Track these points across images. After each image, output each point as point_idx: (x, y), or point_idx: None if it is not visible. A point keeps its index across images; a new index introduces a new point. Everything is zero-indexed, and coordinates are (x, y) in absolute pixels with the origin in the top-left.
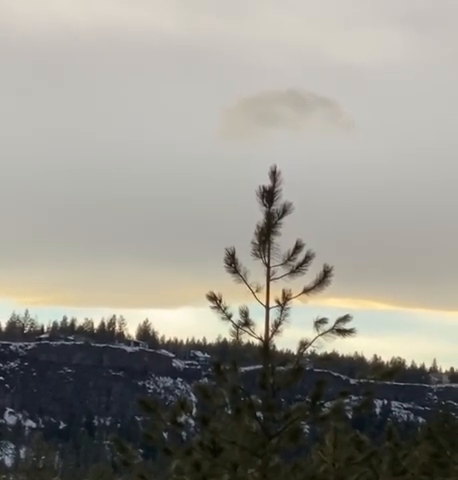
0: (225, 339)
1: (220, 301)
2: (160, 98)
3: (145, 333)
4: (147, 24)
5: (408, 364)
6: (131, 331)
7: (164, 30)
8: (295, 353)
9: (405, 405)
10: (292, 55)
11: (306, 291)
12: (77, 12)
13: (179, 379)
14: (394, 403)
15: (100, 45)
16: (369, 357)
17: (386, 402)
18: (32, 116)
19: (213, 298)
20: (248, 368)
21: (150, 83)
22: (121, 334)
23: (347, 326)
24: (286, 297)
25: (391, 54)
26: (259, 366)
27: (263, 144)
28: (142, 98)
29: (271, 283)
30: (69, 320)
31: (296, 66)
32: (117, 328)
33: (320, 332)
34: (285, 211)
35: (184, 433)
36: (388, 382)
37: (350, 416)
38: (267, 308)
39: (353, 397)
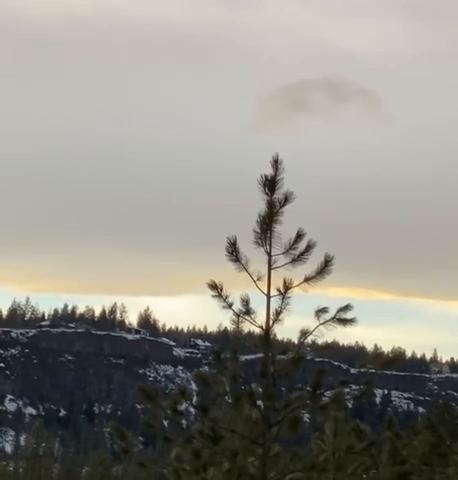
0: (226, 327)
1: (221, 289)
2: (182, 89)
3: (146, 321)
4: (156, 12)
5: (408, 354)
6: (132, 319)
7: (168, 18)
8: (296, 342)
9: (405, 395)
10: (295, 44)
11: (307, 280)
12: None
13: (179, 367)
14: (394, 393)
15: (115, 33)
16: (369, 346)
17: (386, 392)
18: (30, 104)
19: (214, 286)
20: (248, 357)
21: (169, 73)
22: (122, 322)
23: (348, 315)
24: (287, 286)
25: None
26: (260, 355)
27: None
28: (162, 88)
29: (272, 272)
30: (70, 307)
31: (299, 55)
32: (118, 316)
33: (321, 321)
34: (287, 200)
35: (184, 421)
36: (388, 372)
37: (350, 405)
38: (268, 297)
39: (353, 386)
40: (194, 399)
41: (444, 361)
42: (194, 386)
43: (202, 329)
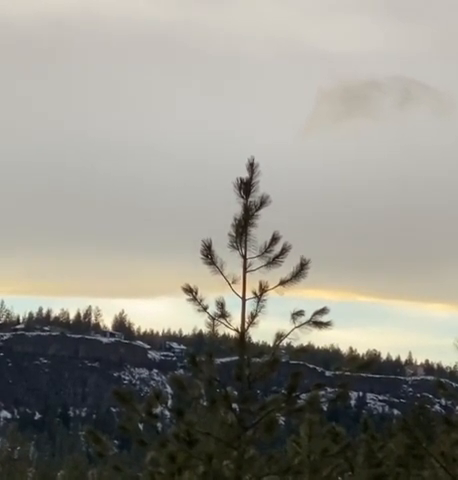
0: (201, 331)
1: (196, 293)
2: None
3: (121, 324)
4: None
5: (383, 356)
6: (107, 322)
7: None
8: (271, 345)
9: (380, 397)
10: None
11: (282, 283)
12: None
13: (155, 370)
14: (369, 395)
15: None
16: (345, 349)
17: (361, 394)
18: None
19: (189, 290)
20: (224, 360)
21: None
22: (97, 325)
23: (324, 319)
24: (262, 289)
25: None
26: (235, 358)
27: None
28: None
29: (248, 275)
30: (45, 311)
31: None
32: (93, 319)
33: (296, 324)
34: (262, 203)
35: (159, 424)
36: (363, 374)
37: (325, 408)
38: (243, 300)
39: (328, 389)
40: (169, 402)
41: (419, 363)
42: (169, 389)
43: (177, 332)
